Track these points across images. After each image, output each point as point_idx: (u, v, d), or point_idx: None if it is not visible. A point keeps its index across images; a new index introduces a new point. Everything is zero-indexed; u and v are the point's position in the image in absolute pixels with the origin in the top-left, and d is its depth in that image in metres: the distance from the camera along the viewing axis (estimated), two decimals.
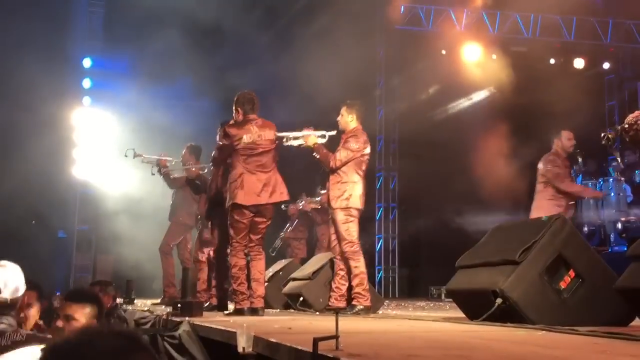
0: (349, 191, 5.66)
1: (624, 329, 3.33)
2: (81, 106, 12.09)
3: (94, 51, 12.37)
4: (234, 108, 5.78)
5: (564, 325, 3.41)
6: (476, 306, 4.05)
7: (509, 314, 3.75)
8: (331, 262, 6.09)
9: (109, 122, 11.78)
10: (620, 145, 8.63)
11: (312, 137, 5.77)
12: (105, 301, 5.14)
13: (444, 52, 12.87)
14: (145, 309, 6.56)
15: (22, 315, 3.62)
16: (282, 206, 6.67)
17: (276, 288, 7.02)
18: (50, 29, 10.97)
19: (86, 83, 12.26)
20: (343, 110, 5.90)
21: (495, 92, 12.45)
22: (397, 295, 13.01)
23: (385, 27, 13.10)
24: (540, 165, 7.02)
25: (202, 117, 10.45)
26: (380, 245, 13.41)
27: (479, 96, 12.90)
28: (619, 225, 8.65)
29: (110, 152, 11.12)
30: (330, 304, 5.77)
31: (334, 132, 5.85)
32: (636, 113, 4.86)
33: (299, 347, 2.37)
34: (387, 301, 8.45)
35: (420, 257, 13.75)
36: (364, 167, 5.81)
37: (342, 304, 5.66)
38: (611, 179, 9.08)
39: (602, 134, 5.32)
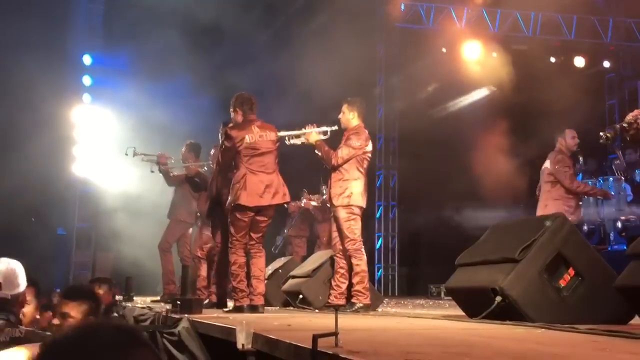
0: (350, 189, 5.66)
1: (624, 327, 3.33)
2: (81, 103, 12.09)
3: (94, 48, 12.36)
4: (231, 109, 5.79)
5: (563, 323, 3.41)
6: (476, 304, 4.05)
7: (509, 312, 3.74)
8: (331, 259, 6.09)
9: (108, 120, 11.78)
10: (622, 143, 8.64)
11: (314, 135, 5.78)
12: (104, 298, 5.15)
13: (444, 50, 12.87)
14: (145, 306, 6.56)
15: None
16: (285, 205, 6.69)
17: (276, 286, 7.02)
18: (50, 26, 10.96)
19: (86, 80, 12.26)
20: (344, 108, 5.90)
21: (495, 90, 12.45)
22: (396, 294, 13.03)
23: (385, 24, 13.11)
24: (547, 165, 6.96)
25: (201, 115, 10.45)
26: (380, 244, 13.42)
27: (479, 94, 12.90)
28: (619, 224, 8.66)
29: (110, 150, 11.12)
30: (329, 301, 5.77)
31: (335, 127, 5.86)
32: (636, 112, 4.86)
33: (299, 344, 2.37)
34: (386, 299, 8.46)
35: (419, 255, 13.77)
36: (365, 165, 5.81)
37: (342, 302, 5.66)
38: (611, 178, 9.09)
39: (601, 133, 5.32)
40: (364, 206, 5.79)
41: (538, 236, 3.89)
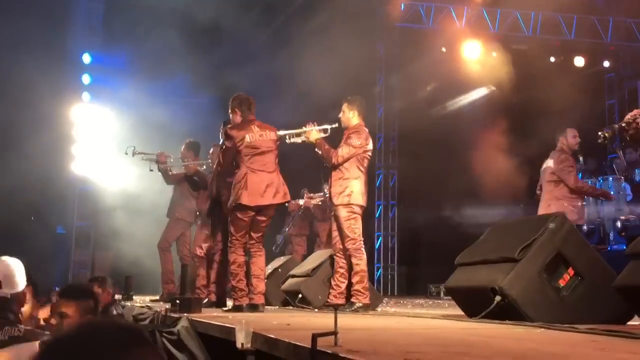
0: (350, 187, 5.66)
1: (623, 327, 3.33)
2: (80, 102, 12.07)
3: (94, 47, 12.34)
4: (230, 110, 5.80)
5: (563, 323, 3.41)
6: (475, 304, 4.05)
7: (508, 312, 3.74)
8: (331, 259, 6.08)
9: (108, 119, 11.77)
10: (622, 143, 8.63)
11: (314, 133, 5.78)
12: (103, 297, 5.14)
13: (444, 49, 12.87)
14: (144, 305, 6.56)
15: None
16: (285, 204, 6.70)
17: (275, 285, 7.01)
18: (50, 24, 10.95)
19: (86, 79, 12.24)
20: (344, 107, 5.90)
21: (495, 90, 12.45)
22: (396, 293, 13.02)
23: (385, 24, 13.10)
24: (550, 164, 6.95)
25: (200, 114, 10.46)
26: (380, 243, 13.42)
27: (478, 94, 12.90)
28: (618, 224, 8.65)
29: (109, 149, 11.11)
30: (329, 301, 5.77)
31: (335, 125, 5.86)
32: (635, 112, 4.86)
33: (298, 343, 2.36)
34: (385, 299, 8.45)
35: (419, 255, 13.77)
36: (365, 164, 5.81)
37: (341, 301, 5.66)
38: (611, 178, 9.09)
39: (599, 133, 5.32)
40: (365, 205, 5.79)
41: (538, 236, 3.89)
